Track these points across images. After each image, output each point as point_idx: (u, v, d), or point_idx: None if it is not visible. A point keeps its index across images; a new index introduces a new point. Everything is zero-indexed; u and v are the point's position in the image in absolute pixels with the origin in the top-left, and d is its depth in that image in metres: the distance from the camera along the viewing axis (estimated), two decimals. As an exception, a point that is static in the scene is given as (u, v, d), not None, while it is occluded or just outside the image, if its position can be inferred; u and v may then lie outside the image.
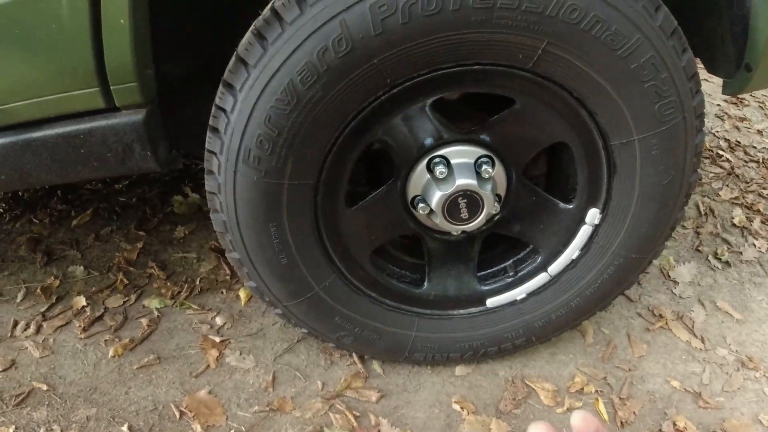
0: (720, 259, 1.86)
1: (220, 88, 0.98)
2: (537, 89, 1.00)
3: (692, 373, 1.46)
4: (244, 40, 0.94)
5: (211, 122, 1.01)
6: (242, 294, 1.60)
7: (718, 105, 2.95)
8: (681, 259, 1.84)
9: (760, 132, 2.73)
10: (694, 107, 1.04)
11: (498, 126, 1.08)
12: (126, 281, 1.65)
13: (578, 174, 1.14)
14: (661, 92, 0.98)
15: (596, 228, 1.17)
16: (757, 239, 1.96)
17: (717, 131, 2.71)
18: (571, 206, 1.18)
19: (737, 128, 2.75)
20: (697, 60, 1.36)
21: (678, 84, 0.99)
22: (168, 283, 1.64)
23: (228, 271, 1.68)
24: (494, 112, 1.08)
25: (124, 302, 1.58)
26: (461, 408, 1.32)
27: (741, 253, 1.90)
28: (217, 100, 0.99)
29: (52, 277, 1.66)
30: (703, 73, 1.33)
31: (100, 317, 1.53)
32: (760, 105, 3.00)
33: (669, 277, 1.77)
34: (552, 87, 0.99)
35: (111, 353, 1.42)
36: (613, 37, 0.91)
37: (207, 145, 1.03)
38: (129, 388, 1.35)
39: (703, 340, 1.55)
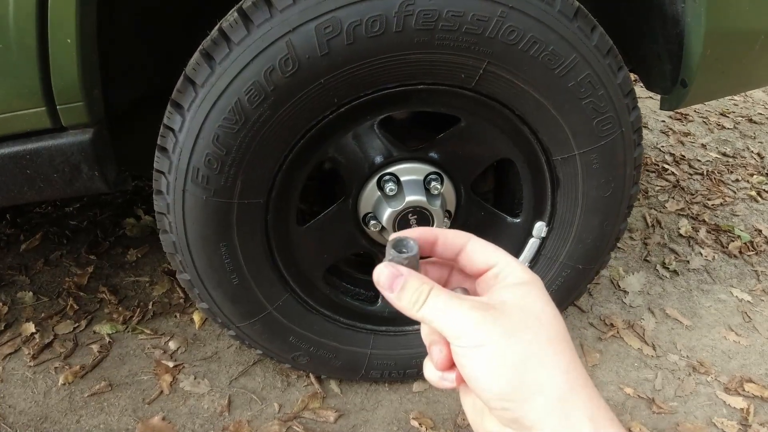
0: (668, 268, 1.92)
1: (168, 107, 0.98)
2: (480, 108, 1.03)
3: (645, 379, 1.50)
4: (192, 60, 0.95)
5: (159, 142, 1.00)
6: (196, 317, 1.57)
7: (663, 121, 3.08)
8: (630, 270, 1.90)
9: (704, 146, 2.85)
10: (631, 122, 1.09)
11: (445, 143, 1.10)
12: (76, 306, 1.60)
13: (524, 189, 1.17)
14: (599, 109, 1.03)
15: (543, 240, 1.21)
16: (703, 248, 2.04)
17: (662, 146, 2.82)
18: (519, 220, 1.21)
19: (682, 143, 2.88)
20: (636, 77, 1.42)
21: (615, 100, 1.04)
22: (120, 308, 1.60)
23: (182, 295, 1.65)
24: (443, 129, 1.11)
25: (75, 328, 1.54)
26: (419, 424, 1.32)
27: (688, 261, 1.97)
28: (165, 120, 0.99)
29: (0, 304, 1.60)
30: (648, 91, 1.39)
31: (50, 344, 1.49)
32: (704, 120, 3.14)
33: (619, 287, 1.82)
34: (494, 105, 1.02)
35: (61, 381, 1.38)
36: (551, 57, 0.95)
37: (155, 165, 1.02)
38: (80, 416, 1.31)
39: (654, 347, 1.60)
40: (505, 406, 0.42)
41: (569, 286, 1.26)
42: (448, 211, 1.17)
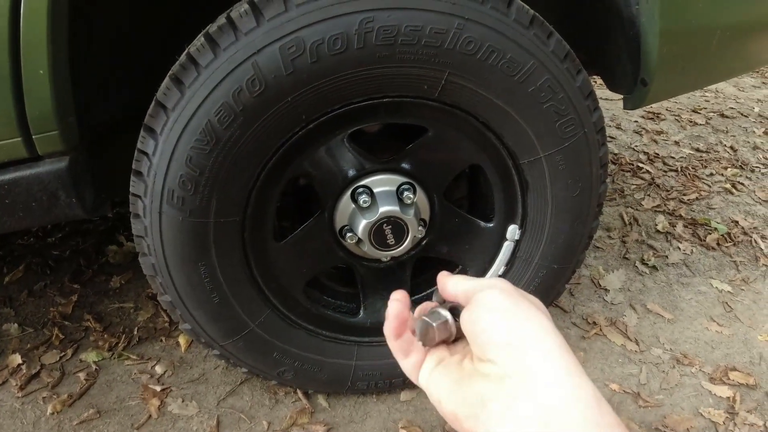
0: (647, 264, 1.96)
1: (142, 132, 1.00)
2: (445, 117, 1.06)
3: (630, 374, 1.52)
4: (162, 86, 0.97)
5: (134, 166, 1.02)
6: (182, 340, 1.57)
7: (636, 121, 3.14)
8: (610, 268, 1.93)
9: (677, 143, 2.91)
10: (593, 123, 1.12)
11: (415, 154, 1.13)
12: (62, 336, 1.60)
13: (495, 193, 1.20)
14: (560, 111, 1.06)
15: (517, 243, 1.23)
16: (681, 242, 2.08)
17: (636, 146, 2.87)
18: (492, 224, 1.24)
19: (655, 141, 2.93)
20: (598, 79, 1.47)
21: (575, 102, 1.07)
22: (105, 335, 1.60)
23: (166, 319, 1.65)
24: (414, 140, 1.13)
25: (61, 357, 1.54)
26: (408, 432, 1.33)
27: (667, 256, 2.00)
28: (139, 144, 1.01)
29: (-15, 337, 1.60)
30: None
31: (37, 374, 1.49)
32: (676, 118, 3.21)
33: (600, 285, 1.85)
34: (459, 113, 1.05)
35: (50, 410, 1.37)
36: (509, 64, 0.98)
37: (131, 189, 1.04)
38: (69, 445, 1.30)
39: (637, 342, 1.62)
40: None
41: (547, 287, 1.28)
42: (423, 220, 1.19)
